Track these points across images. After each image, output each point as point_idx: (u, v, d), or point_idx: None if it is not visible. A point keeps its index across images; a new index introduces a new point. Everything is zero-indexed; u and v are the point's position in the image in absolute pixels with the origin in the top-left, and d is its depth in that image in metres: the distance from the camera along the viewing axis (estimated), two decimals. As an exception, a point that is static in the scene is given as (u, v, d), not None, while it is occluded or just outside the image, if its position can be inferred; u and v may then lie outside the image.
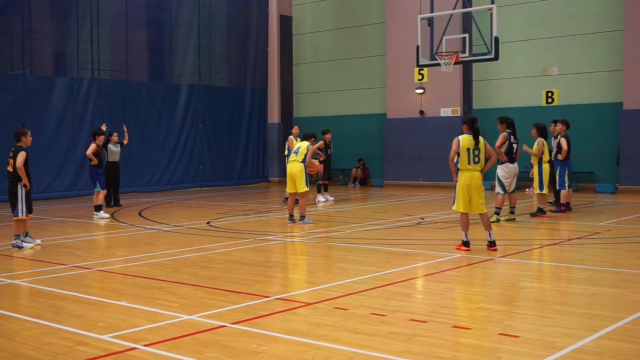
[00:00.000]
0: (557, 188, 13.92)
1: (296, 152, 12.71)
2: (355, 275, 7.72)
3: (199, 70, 23.61)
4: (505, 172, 12.55)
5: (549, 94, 21.05)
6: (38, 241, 10.53)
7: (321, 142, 17.42)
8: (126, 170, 18.95)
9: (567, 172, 13.68)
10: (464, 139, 9.29)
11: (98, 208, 14.20)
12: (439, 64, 17.15)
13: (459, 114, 21.81)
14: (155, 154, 21.91)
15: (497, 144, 12.54)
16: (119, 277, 8.05)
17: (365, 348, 4.98)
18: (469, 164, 9.27)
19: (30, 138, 10.39)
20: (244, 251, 9.73)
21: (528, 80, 21.45)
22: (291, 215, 12.79)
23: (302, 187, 12.58)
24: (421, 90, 22.56)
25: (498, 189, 12.60)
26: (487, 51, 16.41)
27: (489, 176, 21.05)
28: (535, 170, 13.41)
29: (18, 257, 9.54)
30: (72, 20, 20.10)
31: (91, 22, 20.34)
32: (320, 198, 17.25)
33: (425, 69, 21.42)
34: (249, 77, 25.33)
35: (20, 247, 10.13)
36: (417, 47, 17.50)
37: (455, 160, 9.39)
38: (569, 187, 13.81)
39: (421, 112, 22.57)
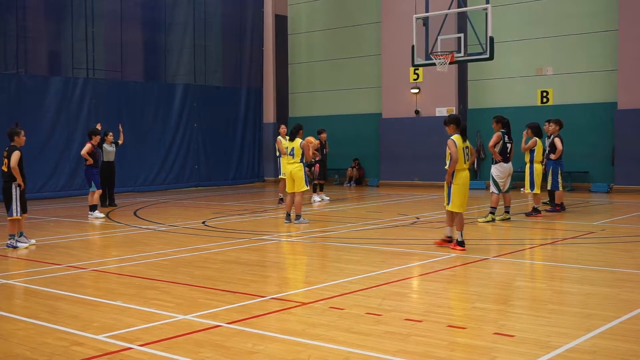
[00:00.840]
0: (551, 188, 13.94)
1: (292, 154, 12.71)
2: (350, 274, 7.73)
3: (194, 70, 23.57)
4: (499, 171, 12.57)
5: (544, 94, 21.09)
6: (33, 241, 10.51)
7: (317, 141, 17.43)
8: (121, 170, 18.90)
9: (559, 171, 13.72)
10: (458, 139, 9.30)
11: (93, 208, 14.17)
12: (434, 64, 17.15)
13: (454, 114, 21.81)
14: (151, 153, 21.86)
15: (491, 143, 12.56)
16: (114, 277, 8.04)
17: (360, 348, 4.98)
18: (464, 163, 9.30)
19: (24, 138, 10.36)
20: (239, 251, 9.72)
21: (523, 80, 21.49)
22: (288, 215, 12.79)
23: (302, 187, 12.59)
24: (416, 90, 22.57)
25: (492, 188, 12.62)
26: (482, 51, 16.43)
27: (484, 176, 21.12)
28: (526, 169, 13.43)
29: (13, 257, 9.51)
30: (66, 19, 20.05)
31: (86, 22, 20.29)
32: (316, 198, 17.26)
33: (421, 68, 21.42)
34: (244, 77, 25.30)
35: (15, 247, 10.10)
36: (413, 46, 17.51)
37: (448, 162, 9.35)
38: (562, 187, 13.86)
39: (416, 112, 22.59)
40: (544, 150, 13.85)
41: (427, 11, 17.48)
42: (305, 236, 11.17)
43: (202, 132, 23.51)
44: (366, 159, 24.44)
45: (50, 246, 10.41)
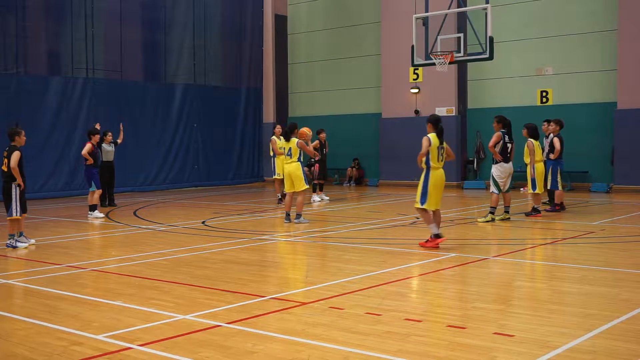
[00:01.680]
0: (550, 188, 13.94)
1: (290, 155, 12.70)
2: (350, 274, 7.73)
3: (194, 70, 23.57)
4: (499, 171, 12.57)
5: (544, 94, 21.09)
6: (32, 241, 10.51)
7: (316, 141, 17.44)
8: (121, 170, 18.90)
9: (559, 171, 13.72)
10: (434, 138, 9.52)
11: (93, 208, 14.17)
12: (433, 64, 17.14)
13: (454, 114, 21.84)
14: (150, 153, 21.87)
15: (491, 143, 12.56)
16: (114, 277, 8.04)
17: (360, 347, 4.98)
18: (438, 161, 9.52)
19: (24, 138, 10.37)
20: (239, 251, 9.72)
21: (523, 80, 21.48)
22: (287, 214, 12.78)
23: (302, 186, 12.58)
24: (416, 90, 22.57)
25: (492, 188, 12.62)
26: (481, 51, 16.42)
27: (483, 176, 21.12)
28: (528, 169, 13.44)
29: (12, 257, 9.51)
30: (66, 19, 20.04)
31: (85, 22, 20.29)
32: (316, 197, 17.26)
33: (420, 68, 21.42)
34: (244, 77, 25.31)
35: (15, 247, 10.10)
36: (412, 46, 17.50)
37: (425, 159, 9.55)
38: (561, 187, 13.86)
39: (416, 112, 22.59)
40: (543, 150, 13.87)
41: (426, 11, 17.47)
42: (305, 236, 11.17)
43: (201, 132, 23.51)
44: (366, 158, 24.44)
45: (50, 246, 10.41)
